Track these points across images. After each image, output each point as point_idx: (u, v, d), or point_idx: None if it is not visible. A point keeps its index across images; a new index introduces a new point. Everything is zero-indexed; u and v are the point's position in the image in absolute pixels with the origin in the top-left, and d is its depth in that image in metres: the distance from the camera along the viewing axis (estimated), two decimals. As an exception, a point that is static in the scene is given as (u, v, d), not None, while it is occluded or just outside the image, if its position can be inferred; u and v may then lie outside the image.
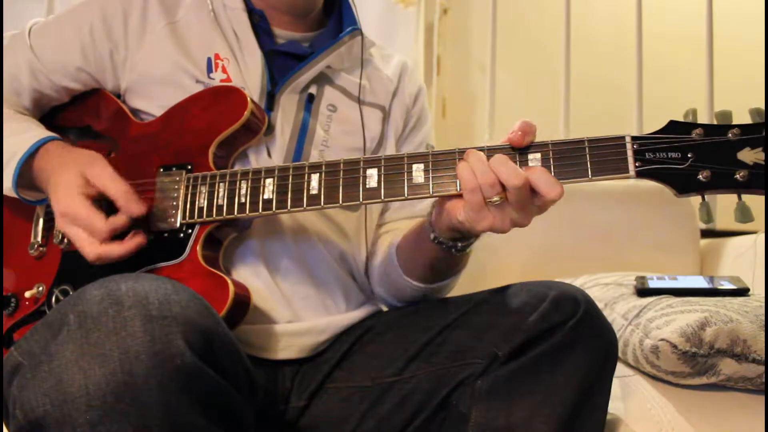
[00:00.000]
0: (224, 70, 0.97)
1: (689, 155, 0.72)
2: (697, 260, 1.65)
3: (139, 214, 0.86)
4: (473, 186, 0.74)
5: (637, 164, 0.73)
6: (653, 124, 0.76)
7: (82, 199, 0.85)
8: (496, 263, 1.56)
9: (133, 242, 0.86)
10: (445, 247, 0.85)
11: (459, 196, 0.77)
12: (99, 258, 0.84)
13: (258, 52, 0.97)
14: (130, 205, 0.86)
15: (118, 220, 0.85)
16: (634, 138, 0.74)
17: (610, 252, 1.62)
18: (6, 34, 1.02)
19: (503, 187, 0.74)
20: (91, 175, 0.87)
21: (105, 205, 0.87)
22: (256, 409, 0.74)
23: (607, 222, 1.65)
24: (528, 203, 0.75)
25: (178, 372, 0.59)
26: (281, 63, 1.00)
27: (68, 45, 0.98)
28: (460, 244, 0.85)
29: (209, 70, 0.96)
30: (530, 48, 2.50)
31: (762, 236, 1.44)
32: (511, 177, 0.73)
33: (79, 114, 1.02)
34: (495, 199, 0.74)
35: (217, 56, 0.97)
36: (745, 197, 0.72)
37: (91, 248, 0.84)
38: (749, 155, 0.70)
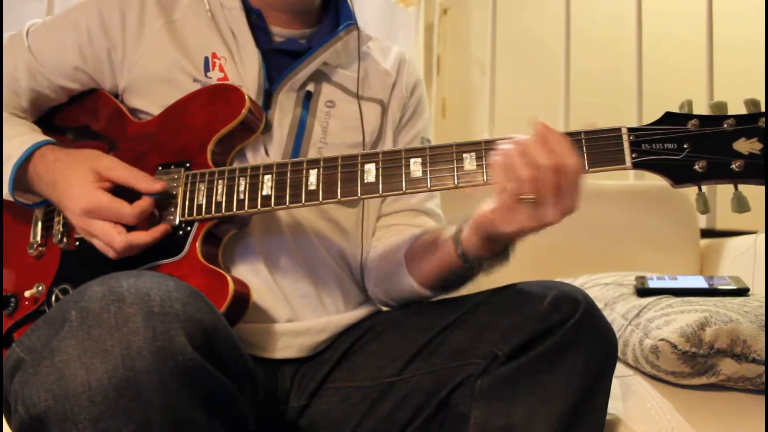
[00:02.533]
0: (221, 69, 0.97)
1: (685, 146, 0.72)
2: (697, 260, 1.65)
3: (161, 190, 0.87)
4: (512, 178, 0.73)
5: (633, 155, 0.73)
6: (653, 123, 0.76)
7: (101, 192, 0.85)
8: (496, 263, 1.56)
9: (158, 229, 0.86)
10: (469, 265, 0.85)
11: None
12: (128, 246, 0.84)
13: (255, 51, 0.97)
14: (150, 185, 0.87)
15: (143, 203, 0.86)
16: (630, 129, 0.74)
17: (610, 252, 1.62)
18: (4, 36, 1.02)
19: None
20: (102, 168, 0.87)
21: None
22: (257, 408, 0.74)
23: (607, 222, 1.65)
24: (556, 191, 0.73)
25: (180, 368, 0.59)
26: (279, 61, 0.99)
27: (66, 45, 0.98)
28: (486, 264, 0.85)
29: (206, 68, 0.97)
30: (530, 48, 2.51)
31: (762, 236, 1.44)
32: (542, 157, 0.72)
33: (78, 114, 1.02)
34: (530, 196, 0.73)
35: (214, 55, 0.97)
36: (742, 188, 0.72)
37: (120, 237, 0.84)
38: (745, 145, 0.71)
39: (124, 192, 0.87)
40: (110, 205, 0.85)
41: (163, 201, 0.89)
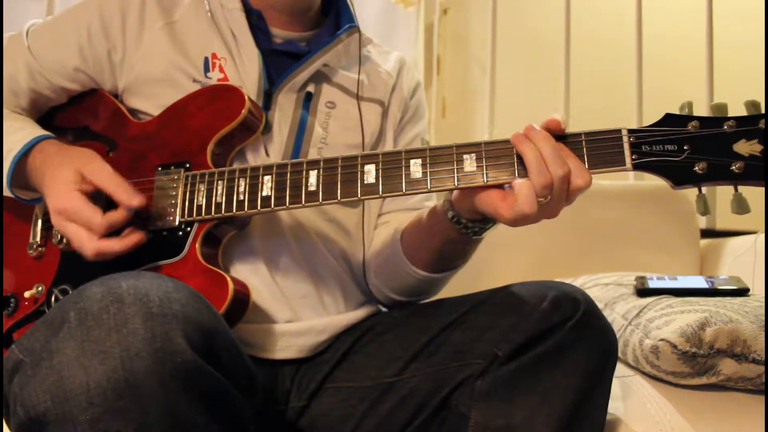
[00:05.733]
0: (221, 70, 0.97)
1: (685, 147, 0.72)
2: (697, 260, 1.65)
3: (138, 205, 0.85)
4: (546, 182, 0.73)
5: (633, 157, 0.73)
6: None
7: (77, 195, 0.84)
8: (496, 263, 1.56)
9: (132, 238, 0.85)
10: (463, 228, 0.85)
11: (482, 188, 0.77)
12: (98, 253, 0.83)
13: (255, 52, 0.97)
14: (129, 198, 0.85)
15: (116, 215, 0.84)
16: (630, 131, 0.74)
17: (610, 252, 1.62)
18: (4, 36, 1.02)
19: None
20: (88, 172, 0.86)
21: (104, 203, 0.86)
22: (256, 409, 0.74)
23: (607, 222, 1.65)
24: (565, 195, 0.74)
25: (179, 369, 0.59)
26: (279, 62, 1.00)
27: (66, 45, 0.98)
28: (478, 227, 0.85)
29: (206, 69, 0.97)
30: (530, 48, 2.51)
31: (762, 236, 1.44)
32: (558, 167, 0.72)
33: (77, 114, 1.01)
34: (541, 200, 0.74)
35: (214, 56, 0.97)
36: (742, 189, 0.72)
37: (90, 243, 0.83)
38: (745, 147, 0.71)
39: (111, 200, 0.86)
40: (82, 210, 0.84)
41: (163, 202, 0.89)
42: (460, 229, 0.85)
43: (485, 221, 0.84)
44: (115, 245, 0.84)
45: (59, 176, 0.86)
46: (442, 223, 0.87)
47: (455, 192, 0.84)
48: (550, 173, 0.73)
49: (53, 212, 0.85)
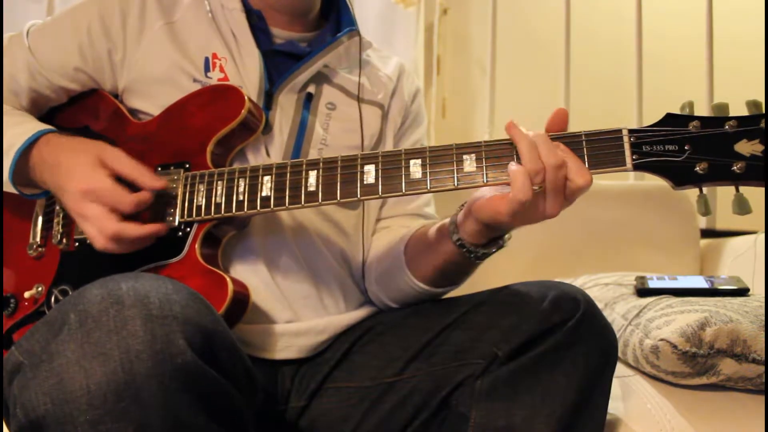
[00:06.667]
0: (222, 70, 0.97)
1: (686, 147, 0.72)
2: (697, 260, 1.65)
3: (162, 187, 0.86)
4: (537, 169, 0.74)
5: (634, 157, 0.73)
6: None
7: (105, 176, 0.85)
8: (496, 263, 1.55)
9: (152, 227, 0.85)
10: (467, 252, 0.85)
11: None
12: (116, 235, 0.83)
13: (256, 52, 0.97)
14: (152, 181, 0.86)
15: (143, 195, 0.85)
16: (630, 131, 0.74)
17: (610, 252, 1.62)
18: (4, 36, 1.02)
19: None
20: (108, 157, 0.86)
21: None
22: (257, 409, 0.74)
23: (607, 222, 1.65)
24: (561, 189, 0.74)
25: (179, 371, 0.59)
26: (279, 62, 1.00)
27: (66, 45, 0.98)
28: (481, 251, 0.85)
29: (207, 69, 0.97)
30: (530, 48, 2.51)
31: (762, 236, 1.44)
32: (550, 155, 0.73)
33: (77, 114, 1.01)
34: (535, 188, 0.74)
35: (214, 56, 0.97)
36: (743, 189, 0.72)
37: (110, 223, 0.83)
38: (746, 147, 0.71)
39: (124, 186, 0.86)
40: (111, 189, 0.84)
41: (163, 202, 0.89)
42: (464, 252, 0.86)
43: (488, 245, 0.85)
44: (136, 230, 0.84)
45: (78, 160, 0.86)
46: (446, 244, 0.87)
47: (460, 215, 0.85)
48: (542, 161, 0.73)
49: (76, 193, 0.85)
